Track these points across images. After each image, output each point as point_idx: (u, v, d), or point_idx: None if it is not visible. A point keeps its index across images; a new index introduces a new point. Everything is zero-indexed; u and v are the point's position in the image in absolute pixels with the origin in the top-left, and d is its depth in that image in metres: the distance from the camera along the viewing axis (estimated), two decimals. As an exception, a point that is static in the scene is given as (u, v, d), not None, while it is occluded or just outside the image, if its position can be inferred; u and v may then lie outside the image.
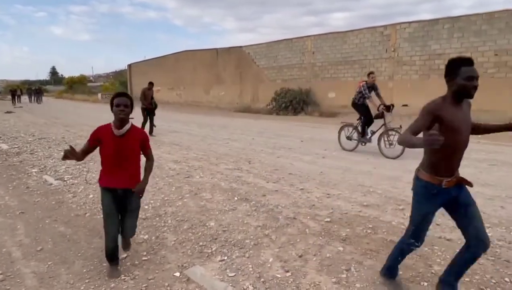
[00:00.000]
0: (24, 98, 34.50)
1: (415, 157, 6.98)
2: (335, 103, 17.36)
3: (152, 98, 10.39)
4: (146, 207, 4.31)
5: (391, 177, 5.57)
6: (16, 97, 29.79)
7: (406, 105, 15.05)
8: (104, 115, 18.68)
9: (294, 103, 17.50)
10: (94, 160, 6.95)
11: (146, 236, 3.51)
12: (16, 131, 11.68)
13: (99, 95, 37.91)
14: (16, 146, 8.82)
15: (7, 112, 18.42)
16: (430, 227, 3.62)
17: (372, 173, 5.84)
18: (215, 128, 12.19)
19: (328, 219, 3.71)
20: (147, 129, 9.50)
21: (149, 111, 10.38)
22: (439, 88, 11.70)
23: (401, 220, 3.75)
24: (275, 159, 6.88)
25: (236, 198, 4.44)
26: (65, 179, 5.73)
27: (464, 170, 2.43)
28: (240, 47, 22.05)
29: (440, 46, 13.89)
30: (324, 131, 11.33)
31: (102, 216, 4.09)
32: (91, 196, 4.83)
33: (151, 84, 10.63)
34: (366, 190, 4.85)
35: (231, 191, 4.74)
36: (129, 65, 35.88)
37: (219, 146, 8.44)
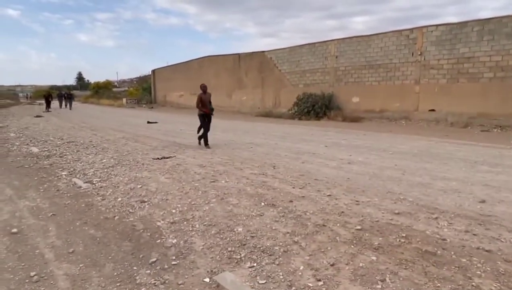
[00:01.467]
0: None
1: (444, 163, 6.79)
2: (359, 107, 17.11)
3: (209, 102, 9.33)
4: (174, 211, 4.32)
5: (421, 183, 5.39)
6: (49, 102, 28.42)
7: (433, 110, 14.66)
8: (129, 119, 19.17)
9: (316, 107, 17.36)
10: (122, 163, 7.09)
11: (175, 240, 3.50)
12: (45, 134, 12.07)
13: (124, 100, 38.84)
14: (46, 149, 9.10)
15: (37, 116, 19.12)
16: (466, 237, 3.49)
17: (401, 179, 5.66)
18: (238, 133, 12.21)
19: (359, 227, 3.60)
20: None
21: (207, 118, 9.21)
22: (468, 92, 11.39)
23: (435, 229, 3.60)
24: (300, 165, 6.80)
25: (263, 204, 4.39)
26: (94, 182, 5.84)
27: None
28: (262, 52, 22.12)
29: (469, 49, 13.45)
30: (349, 137, 11.14)
31: (130, 219, 4.16)
32: (119, 199, 4.89)
33: (205, 86, 9.25)
34: (396, 197, 4.70)
35: (258, 197, 4.70)
36: (153, 71, 36.63)
37: (243, 151, 8.43)
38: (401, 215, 4.01)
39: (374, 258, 3.01)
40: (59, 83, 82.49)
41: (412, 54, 15.20)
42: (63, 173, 6.56)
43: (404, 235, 3.46)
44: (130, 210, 4.42)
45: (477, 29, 13.23)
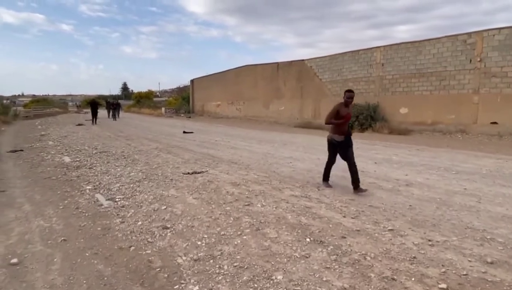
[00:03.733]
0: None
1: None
2: (407, 119, 15.74)
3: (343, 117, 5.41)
4: (199, 243, 3.57)
5: (507, 216, 4.28)
6: (96, 112, 24.56)
7: (495, 123, 13.05)
8: (165, 128, 18.98)
9: (360, 119, 16.19)
10: (149, 178, 6.51)
11: (197, 288, 2.74)
12: (81, 143, 11.95)
13: (163, 109, 39.46)
14: (77, 159, 8.80)
15: (78, 124, 19.47)
16: None
17: (478, 209, 4.57)
18: (275, 145, 11.41)
19: (444, 286, 2.63)
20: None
21: (343, 144, 5.50)
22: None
23: (554, 292, 2.57)
24: (348, 185, 5.84)
25: (308, 239, 3.53)
26: (117, 199, 5.26)
27: None
28: (302, 60, 21.30)
29: (541, 54, 11.83)
30: (400, 152, 9.96)
31: (148, 252, 3.45)
32: (140, 223, 4.24)
33: (351, 94, 5.46)
34: (480, 236, 3.65)
35: (301, 229, 3.84)
36: (192, 81, 36.94)
37: (281, 166, 7.60)
38: (497, 265, 2.99)
39: None
40: (106, 92, 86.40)
41: (470, 60, 13.71)
42: (88, 187, 6.08)
43: (511, 300, 2.46)
44: (149, 239, 3.73)
45: (550, 31, 11.63)
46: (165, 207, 4.78)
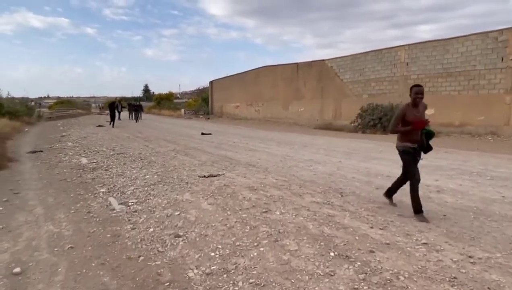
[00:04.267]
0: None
1: None
2: (433, 120, 14.97)
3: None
4: (213, 254, 3.30)
5: (557, 230, 3.81)
6: (119, 113, 26.25)
7: (530, 125, 12.25)
8: (184, 130, 18.88)
9: (383, 120, 15.60)
10: (164, 181, 6.31)
11: (207, 308, 2.45)
12: (99, 145, 11.95)
13: (182, 110, 39.68)
14: (94, 161, 8.73)
15: (98, 125, 19.68)
16: None
17: (522, 221, 4.11)
18: (295, 147, 11.05)
19: (495, 315, 2.25)
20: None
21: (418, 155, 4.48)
22: None
23: None
24: (374, 192, 5.46)
25: (332, 254, 3.19)
26: (129, 203, 5.06)
27: None
28: (322, 60, 20.84)
29: None
30: (427, 155, 9.40)
31: (157, 263, 3.20)
32: (151, 229, 4.01)
33: (419, 90, 4.34)
34: (529, 252, 3.22)
35: (324, 240, 3.50)
36: (211, 82, 36.97)
37: (301, 170, 7.26)
38: (554, 290, 2.57)
39: None
40: (128, 94, 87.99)
41: (502, 59, 12.96)
42: (102, 190, 5.92)
43: None
44: (160, 249, 3.48)
45: None
46: (178, 212, 4.54)
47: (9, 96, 22.20)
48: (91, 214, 4.69)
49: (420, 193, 4.36)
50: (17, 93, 25.69)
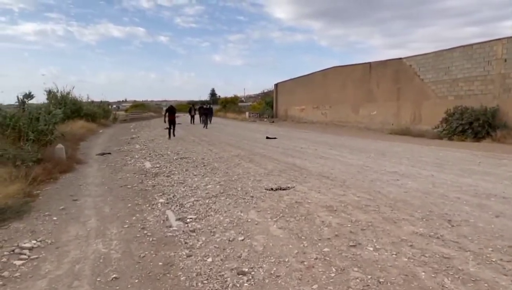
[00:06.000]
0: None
1: None
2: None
3: None
4: (287, 308, 2.40)
5: None
6: (192, 117, 26.97)
7: None
8: (248, 133, 18.33)
9: (475, 126, 13.45)
10: (227, 193, 5.59)
11: None
12: (165, 148, 11.79)
13: (247, 113, 39.63)
14: (157, 165, 8.40)
15: (166, 128, 19.93)
16: None
17: None
18: (372, 155, 9.74)
19: None
20: None
21: None
22: None
23: None
24: (495, 221, 4.14)
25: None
26: (188, 220, 4.39)
27: None
28: (399, 59, 18.91)
29: None
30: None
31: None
32: (209, 260, 3.25)
33: None
34: None
35: (450, 303, 2.41)
36: (276, 85, 36.33)
37: (386, 184, 6.07)
38: None
39: None
40: (196, 98, 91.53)
41: None
42: (161, 200, 5.38)
43: None
44: (219, 291, 2.68)
45: None
46: (242, 237, 3.73)
47: (89, 100, 23.72)
48: (145, 231, 4.10)
49: None
50: (97, 97, 27.37)
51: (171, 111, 16.43)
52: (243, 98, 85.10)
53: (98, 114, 23.05)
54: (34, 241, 3.85)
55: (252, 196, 5.34)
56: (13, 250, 3.62)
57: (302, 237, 3.62)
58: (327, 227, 3.90)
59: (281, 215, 4.39)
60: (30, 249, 3.68)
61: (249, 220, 4.27)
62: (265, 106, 40.02)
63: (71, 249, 3.65)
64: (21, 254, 3.55)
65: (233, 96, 70.64)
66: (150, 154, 10.40)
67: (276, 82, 36.37)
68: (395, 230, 3.79)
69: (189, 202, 5.22)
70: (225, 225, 4.17)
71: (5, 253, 3.56)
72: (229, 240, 3.69)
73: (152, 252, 3.53)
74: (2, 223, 4.38)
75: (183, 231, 4.05)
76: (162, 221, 4.44)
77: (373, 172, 7.24)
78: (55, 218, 4.62)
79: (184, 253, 3.45)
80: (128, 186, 6.41)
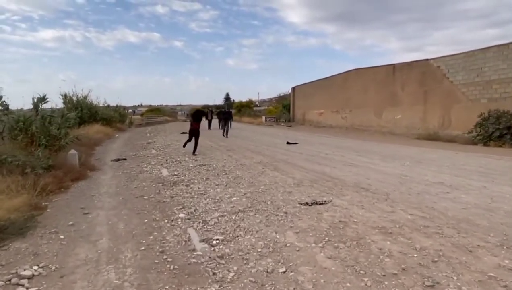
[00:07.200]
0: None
1: None
2: None
3: None
4: None
5: None
6: (209, 122, 24.84)
7: None
8: (267, 138, 17.62)
9: (515, 131, 12.47)
10: (256, 207, 4.92)
11: None
12: (182, 154, 11.23)
13: (263, 118, 39.01)
14: (175, 173, 7.79)
15: (183, 132, 19.47)
16: None
17: None
18: (406, 163, 8.93)
19: None
20: None
21: None
22: None
23: None
24: None
25: None
26: (214, 242, 3.73)
27: None
28: (426, 60, 17.98)
29: None
30: None
31: None
32: (246, 300, 2.56)
33: None
34: None
35: None
36: (293, 88, 35.65)
37: (437, 199, 5.29)
38: None
39: None
40: (210, 102, 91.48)
41: None
42: (181, 215, 4.74)
43: None
44: None
45: None
46: (284, 269, 3.04)
47: (105, 104, 23.48)
48: (165, 256, 3.46)
49: None
50: (113, 102, 27.13)
51: (197, 117, 11.62)
52: (257, 102, 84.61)
53: (114, 118, 22.76)
54: (36, 267, 3.25)
55: (286, 212, 4.65)
56: (9, 280, 3.03)
57: (361, 272, 2.90)
58: (388, 257, 3.17)
59: (326, 238, 3.68)
60: (30, 278, 3.08)
61: (287, 244, 3.58)
62: (282, 110, 39.31)
63: (77, 279, 3.04)
64: (18, 285, 2.95)
65: (247, 100, 70.21)
66: (167, 160, 9.83)
67: (293, 86, 35.67)
68: (475, 263, 3.04)
69: (213, 218, 4.57)
70: (259, 250, 3.49)
71: (0, 283, 2.97)
72: (267, 272, 3.01)
73: (174, 286, 2.88)
74: (2, 243, 3.81)
75: (210, 257, 3.39)
76: (183, 243, 3.80)
77: (416, 183, 6.46)
78: (62, 237, 4.03)
79: (213, 289, 2.79)
80: (145, 197, 5.81)
